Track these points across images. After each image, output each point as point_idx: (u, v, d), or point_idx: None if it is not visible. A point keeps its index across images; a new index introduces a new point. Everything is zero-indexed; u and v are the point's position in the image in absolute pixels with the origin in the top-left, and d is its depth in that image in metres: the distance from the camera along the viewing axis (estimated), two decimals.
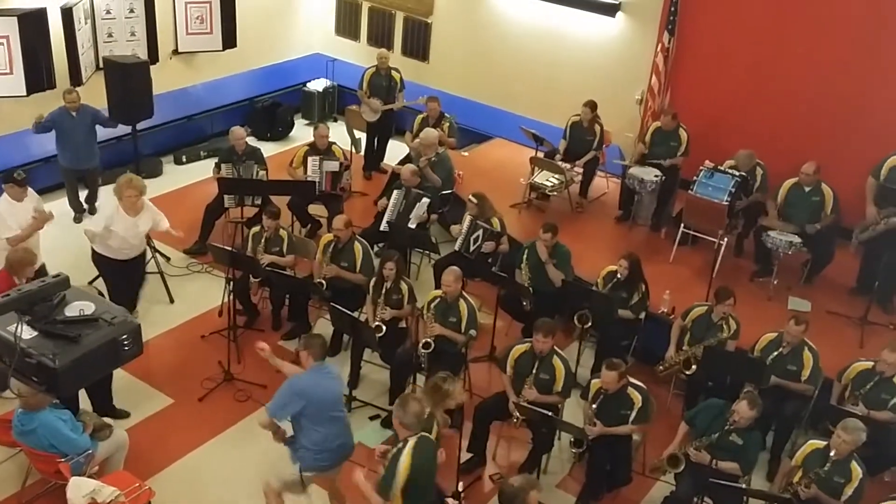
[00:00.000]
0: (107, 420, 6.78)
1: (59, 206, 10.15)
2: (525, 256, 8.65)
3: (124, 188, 7.97)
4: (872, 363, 7.29)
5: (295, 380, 6.09)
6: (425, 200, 9.47)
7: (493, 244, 8.94)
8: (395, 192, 9.56)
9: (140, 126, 9.87)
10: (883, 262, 8.77)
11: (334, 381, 6.29)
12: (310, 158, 9.98)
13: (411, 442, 5.54)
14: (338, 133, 11.86)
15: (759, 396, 6.80)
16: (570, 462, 7.57)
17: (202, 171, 11.45)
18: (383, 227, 9.39)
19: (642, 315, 8.33)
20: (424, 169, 9.97)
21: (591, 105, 10.52)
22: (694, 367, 7.68)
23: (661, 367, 8.00)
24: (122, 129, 10.17)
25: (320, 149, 10.06)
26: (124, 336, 4.29)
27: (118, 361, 4.38)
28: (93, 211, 10.35)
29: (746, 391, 7.23)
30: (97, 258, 8.22)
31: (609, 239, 10.24)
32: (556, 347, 7.20)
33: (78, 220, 10.34)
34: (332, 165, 9.95)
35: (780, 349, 7.47)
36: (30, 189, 8.23)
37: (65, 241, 9.45)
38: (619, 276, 8.17)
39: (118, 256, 8.17)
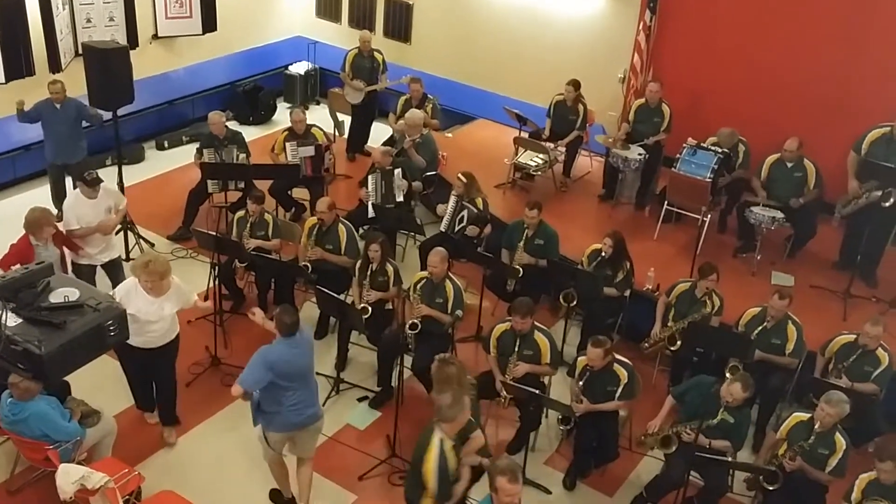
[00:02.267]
0: (94, 406, 6.79)
1: (43, 194, 10.11)
2: (521, 236, 8.64)
3: (140, 273, 6.58)
4: (855, 336, 7.37)
5: (265, 351, 6.15)
6: (398, 171, 9.48)
7: (476, 229, 8.96)
8: (370, 177, 9.54)
9: (121, 112, 9.80)
10: (865, 236, 8.84)
11: (304, 352, 6.32)
12: (288, 144, 9.96)
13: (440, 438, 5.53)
14: (321, 116, 11.83)
15: (744, 370, 6.86)
16: (557, 439, 7.64)
17: (184, 156, 11.39)
18: (371, 213, 9.38)
19: (627, 292, 8.38)
20: (409, 150, 9.97)
21: (575, 84, 10.53)
22: (679, 342, 7.74)
23: (646, 345, 8.05)
24: (103, 116, 10.09)
25: (298, 133, 10.03)
26: (110, 322, 4.30)
27: (104, 347, 4.38)
28: None
29: (732, 366, 7.30)
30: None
31: (593, 217, 10.27)
32: (536, 323, 7.24)
33: (60, 217, 10.25)
34: (308, 150, 9.92)
35: (765, 323, 7.53)
36: (109, 188, 8.19)
37: None
38: (603, 254, 8.21)
39: (140, 344, 6.74)
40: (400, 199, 9.37)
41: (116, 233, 8.67)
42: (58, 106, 9.55)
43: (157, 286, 6.61)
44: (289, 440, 6.49)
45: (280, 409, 6.24)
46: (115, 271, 8.34)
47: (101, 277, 8.28)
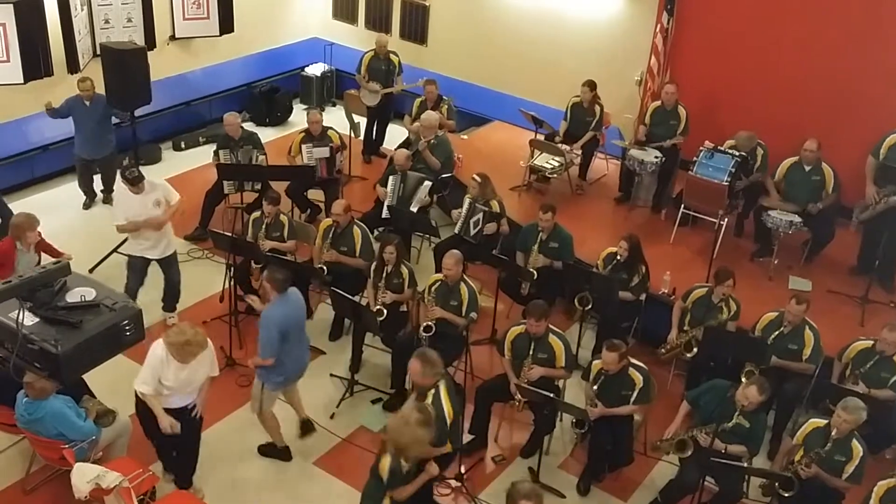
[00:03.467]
0: (109, 406, 6.82)
1: (70, 190, 10.24)
2: (536, 239, 8.63)
3: (177, 352, 6.17)
4: (873, 342, 7.31)
5: (268, 315, 6.63)
6: (427, 184, 9.49)
7: (494, 225, 8.96)
8: (391, 178, 9.55)
9: (138, 112, 9.86)
10: (883, 241, 8.78)
11: (298, 306, 6.87)
12: (304, 146, 9.97)
13: (442, 386, 5.98)
14: (337, 117, 11.85)
15: (760, 376, 6.82)
16: (571, 443, 7.62)
17: (201, 157, 11.45)
18: (385, 213, 9.41)
19: (643, 296, 8.35)
20: (424, 152, 9.97)
21: (591, 84, 10.51)
22: (695, 349, 7.71)
23: (662, 350, 8.01)
24: (121, 116, 10.17)
25: (314, 135, 10.05)
26: (125, 321, 4.33)
27: (120, 347, 4.41)
28: (108, 200, 10.44)
29: (747, 370, 7.26)
30: (139, 401, 6.50)
31: (609, 220, 10.25)
32: (551, 326, 7.23)
33: (87, 205, 10.43)
34: (322, 152, 9.93)
35: (781, 328, 7.49)
36: (155, 182, 8.17)
37: (72, 226, 9.48)
38: (619, 257, 8.18)
39: (168, 404, 6.44)
40: (415, 209, 9.37)
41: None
42: (87, 103, 9.80)
43: (198, 355, 6.26)
44: (284, 389, 7.08)
45: (284, 364, 6.74)
46: (169, 268, 8.42)
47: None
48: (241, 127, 10.00)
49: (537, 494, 5.05)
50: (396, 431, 5.34)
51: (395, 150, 9.96)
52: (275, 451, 7.26)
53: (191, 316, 8.58)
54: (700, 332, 7.68)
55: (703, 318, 7.80)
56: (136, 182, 7.92)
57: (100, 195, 10.60)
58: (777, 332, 7.50)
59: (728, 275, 7.71)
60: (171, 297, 8.60)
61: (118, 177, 8.43)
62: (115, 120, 10.15)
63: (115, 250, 9.13)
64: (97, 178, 10.47)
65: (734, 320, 7.80)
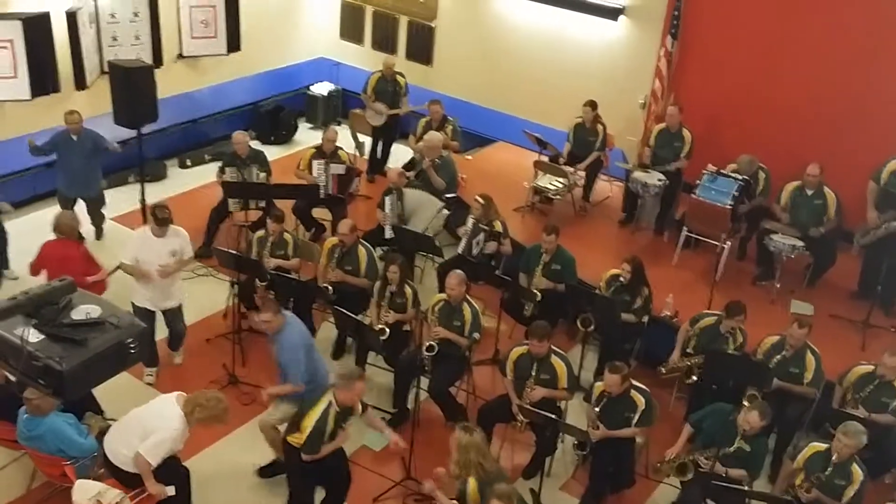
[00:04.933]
0: (111, 422, 6.80)
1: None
2: (539, 260, 8.64)
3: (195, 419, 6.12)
4: (873, 367, 7.30)
5: (288, 338, 6.83)
6: (445, 212, 9.57)
7: (495, 244, 8.97)
8: (387, 198, 9.58)
9: (145, 130, 9.89)
10: (885, 266, 8.77)
11: (300, 322, 7.11)
12: (315, 162, 10.01)
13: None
14: (341, 136, 11.87)
15: (762, 399, 6.81)
16: (573, 464, 7.59)
17: (206, 174, 11.46)
18: (388, 234, 9.43)
19: (645, 318, 8.34)
20: (428, 170, 10.00)
21: (592, 104, 10.56)
22: (695, 377, 7.70)
23: (663, 370, 7.99)
24: (127, 133, 10.19)
25: (326, 152, 10.10)
26: (130, 339, 4.33)
27: (125, 364, 4.41)
28: (99, 235, 10.09)
29: (749, 394, 7.24)
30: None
31: (612, 242, 10.28)
32: (553, 347, 7.23)
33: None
34: (339, 168, 9.98)
35: (783, 352, 7.47)
36: (179, 230, 7.76)
37: None
38: (621, 279, 8.18)
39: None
40: (431, 234, 9.35)
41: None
42: (74, 137, 9.36)
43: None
44: None
45: (315, 380, 6.86)
46: (174, 319, 8.02)
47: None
48: (249, 146, 10.04)
49: (509, 496, 5.31)
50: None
51: (388, 168, 10.01)
52: (276, 468, 7.17)
53: (194, 332, 8.57)
54: (701, 360, 7.68)
55: (709, 346, 7.79)
56: (163, 222, 7.56)
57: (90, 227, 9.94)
58: (779, 356, 7.48)
59: (740, 310, 7.68)
60: (175, 340, 8.26)
61: (149, 216, 7.88)
62: (116, 142, 9.75)
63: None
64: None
65: (740, 351, 7.79)
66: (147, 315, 7.64)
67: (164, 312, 7.94)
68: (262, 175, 9.90)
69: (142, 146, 9.88)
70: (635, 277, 8.17)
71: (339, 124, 13.60)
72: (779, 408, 7.28)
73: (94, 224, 10.09)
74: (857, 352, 8.33)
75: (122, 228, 10.21)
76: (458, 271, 7.82)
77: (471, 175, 11.23)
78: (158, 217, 7.59)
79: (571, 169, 10.62)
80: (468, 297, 7.83)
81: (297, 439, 6.31)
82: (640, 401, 6.92)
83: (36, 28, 9.85)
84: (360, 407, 6.49)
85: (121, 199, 10.67)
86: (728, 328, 7.74)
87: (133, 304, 7.74)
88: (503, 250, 9.09)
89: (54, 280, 4.40)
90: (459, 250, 9.13)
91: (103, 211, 10.13)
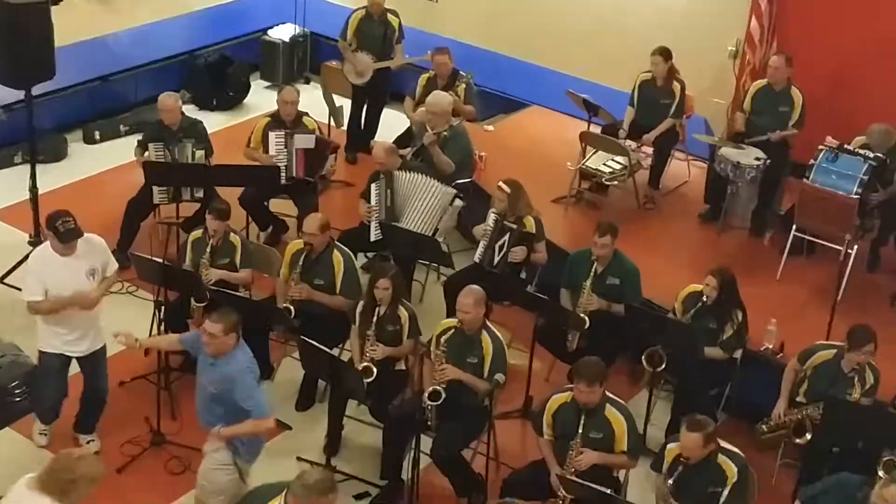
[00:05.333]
0: None
1: None
2: (588, 272, 8.61)
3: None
4: None
5: (241, 365, 6.88)
6: (458, 203, 9.58)
7: (523, 249, 8.93)
8: (374, 185, 9.58)
9: (37, 90, 9.88)
10: None
11: None
12: (272, 134, 10.02)
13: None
14: (311, 100, 11.88)
15: None
16: None
17: (122, 152, 11.46)
18: (375, 235, 9.42)
19: (738, 354, 8.32)
20: (432, 148, 9.98)
21: (664, 53, 10.56)
22: (808, 437, 7.66)
23: (763, 428, 7.95)
24: (12, 95, 10.17)
25: (286, 121, 10.10)
26: (14, 383, 4.29)
27: (8, 416, 4.37)
28: None
29: (887, 460, 7.18)
30: None
31: (691, 247, 10.29)
32: (608, 394, 7.20)
33: None
34: (305, 141, 9.97)
35: None
36: (93, 240, 7.72)
37: None
38: (705, 298, 8.14)
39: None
40: (441, 239, 9.35)
41: None
42: None
43: None
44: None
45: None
46: (95, 368, 7.92)
47: None
48: (182, 113, 10.06)
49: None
50: None
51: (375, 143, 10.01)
52: None
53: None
54: (817, 410, 7.63)
55: (827, 391, 7.74)
56: (69, 236, 7.41)
57: None
58: None
59: (867, 338, 7.62)
60: (91, 409, 8.09)
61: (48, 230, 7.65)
62: None
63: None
64: None
65: (870, 396, 7.74)
66: (63, 364, 7.69)
67: (82, 361, 7.83)
68: (200, 154, 9.91)
69: (32, 113, 9.87)
70: (724, 296, 8.13)
71: (306, 83, 13.63)
72: None
73: None
74: None
75: (7, 229, 10.25)
76: (475, 287, 7.79)
77: (492, 153, 11.22)
78: (61, 232, 7.42)
79: (634, 144, 10.61)
80: (488, 323, 7.81)
81: None
82: (731, 470, 6.87)
83: None
84: None
85: (2, 188, 10.72)
86: (853, 365, 7.69)
87: (41, 351, 7.63)
88: (537, 258, 9.07)
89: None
90: (476, 258, 9.12)
91: None
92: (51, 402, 7.78)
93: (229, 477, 6.89)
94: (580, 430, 7.14)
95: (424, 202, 9.60)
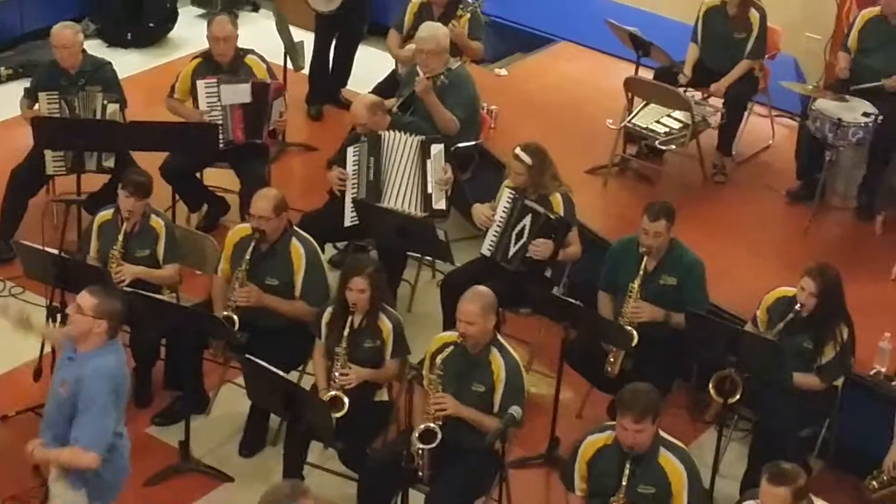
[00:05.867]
0: None
1: None
2: (636, 269, 8.66)
3: None
4: None
5: (99, 370, 6.67)
6: (439, 147, 9.57)
7: (548, 245, 8.96)
8: (351, 149, 9.61)
9: None
10: None
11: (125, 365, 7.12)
12: (201, 83, 10.06)
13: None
14: (261, 33, 11.90)
15: None
16: None
17: (3, 103, 11.50)
18: (350, 218, 9.43)
19: (840, 381, 8.33)
20: (425, 97, 9.98)
21: None
22: None
23: (874, 484, 7.96)
24: None
25: (220, 62, 10.16)
26: None
27: None
28: None
29: None
30: None
31: (775, 234, 10.33)
32: (663, 434, 7.21)
33: None
34: (240, 93, 10.00)
35: None
36: None
37: None
38: (799, 307, 8.14)
39: None
40: (442, 204, 9.39)
41: None
42: None
43: None
44: None
45: (115, 454, 6.83)
46: None
47: None
48: (84, 51, 10.08)
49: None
50: None
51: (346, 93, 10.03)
52: None
53: None
54: None
55: None
56: None
57: None
58: None
59: None
60: None
61: None
62: None
63: None
64: None
65: None
66: None
67: None
68: (112, 107, 9.92)
69: None
70: (826, 306, 8.10)
71: (255, 10, 13.65)
72: None
73: None
74: None
75: None
76: (482, 289, 7.81)
77: (506, 105, 11.24)
78: None
79: (698, 94, 10.64)
80: (500, 338, 7.83)
81: None
82: None
83: None
84: None
85: None
86: None
87: None
88: (569, 253, 9.11)
89: None
90: (484, 250, 9.14)
91: None
92: None
93: None
94: (624, 482, 7.16)
95: (415, 173, 9.60)
